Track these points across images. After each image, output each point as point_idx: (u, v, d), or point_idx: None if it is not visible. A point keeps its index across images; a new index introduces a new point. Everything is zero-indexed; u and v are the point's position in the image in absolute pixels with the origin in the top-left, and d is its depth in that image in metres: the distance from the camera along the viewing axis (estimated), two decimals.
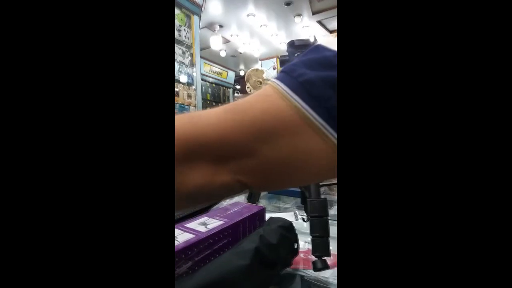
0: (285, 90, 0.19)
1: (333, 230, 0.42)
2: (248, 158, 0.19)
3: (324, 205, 0.41)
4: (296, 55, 0.51)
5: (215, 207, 0.48)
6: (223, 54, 3.01)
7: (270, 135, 0.18)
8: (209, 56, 3.13)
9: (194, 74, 2.05)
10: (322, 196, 0.46)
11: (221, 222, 0.38)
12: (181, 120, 0.20)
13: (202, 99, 2.93)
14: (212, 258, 0.34)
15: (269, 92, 0.19)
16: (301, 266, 0.48)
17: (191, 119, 0.21)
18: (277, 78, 0.20)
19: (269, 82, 0.21)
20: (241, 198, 0.51)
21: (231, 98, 3.79)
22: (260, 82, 3.52)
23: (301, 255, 0.50)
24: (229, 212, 0.42)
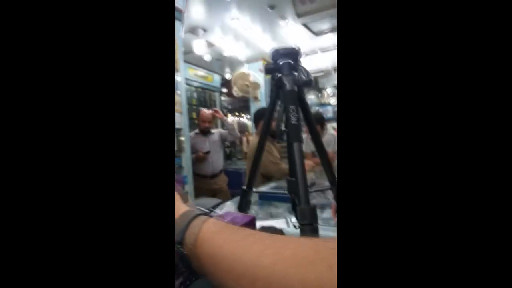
0: None
1: (325, 234, 0.42)
2: None
3: (313, 213, 0.41)
4: (281, 63, 0.51)
5: None
6: (207, 58, 2.99)
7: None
8: (193, 60, 3.10)
9: (178, 79, 2.02)
10: (314, 200, 0.46)
11: None
12: None
13: (188, 104, 2.89)
14: None
15: None
16: None
17: None
18: None
19: None
20: (231, 208, 0.51)
21: (217, 102, 3.77)
22: (247, 85, 3.48)
23: None
24: None
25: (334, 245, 0.16)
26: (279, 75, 0.51)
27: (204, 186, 2.22)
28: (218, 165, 2.31)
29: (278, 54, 0.50)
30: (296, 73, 0.49)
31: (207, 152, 2.22)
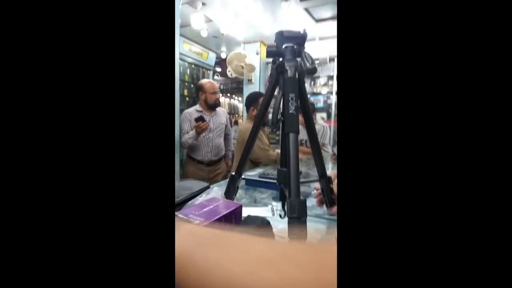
0: None
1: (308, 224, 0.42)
2: None
3: (303, 207, 0.40)
4: (284, 46, 0.49)
5: (190, 202, 0.46)
6: (204, 33, 2.87)
7: None
8: (189, 34, 2.97)
9: None
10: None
11: (196, 222, 0.36)
12: None
13: (180, 80, 2.80)
14: None
15: None
16: None
17: None
18: None
19: None
20: (217, 194, 0.49)
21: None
22: (242, 67, 3.41)
23: None
24: (205, 209, 0.41)
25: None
26: (281, 59, 0.48)
27: (198, 173, 1.77)
28: (218, 150, 1.87)
29: (282, 37, 0.47)
30: (299, 59, 0.46)
31: (204, 126, 1.68)
